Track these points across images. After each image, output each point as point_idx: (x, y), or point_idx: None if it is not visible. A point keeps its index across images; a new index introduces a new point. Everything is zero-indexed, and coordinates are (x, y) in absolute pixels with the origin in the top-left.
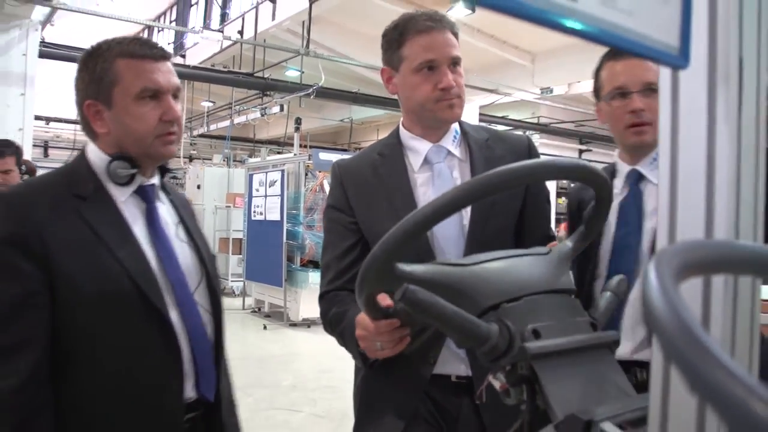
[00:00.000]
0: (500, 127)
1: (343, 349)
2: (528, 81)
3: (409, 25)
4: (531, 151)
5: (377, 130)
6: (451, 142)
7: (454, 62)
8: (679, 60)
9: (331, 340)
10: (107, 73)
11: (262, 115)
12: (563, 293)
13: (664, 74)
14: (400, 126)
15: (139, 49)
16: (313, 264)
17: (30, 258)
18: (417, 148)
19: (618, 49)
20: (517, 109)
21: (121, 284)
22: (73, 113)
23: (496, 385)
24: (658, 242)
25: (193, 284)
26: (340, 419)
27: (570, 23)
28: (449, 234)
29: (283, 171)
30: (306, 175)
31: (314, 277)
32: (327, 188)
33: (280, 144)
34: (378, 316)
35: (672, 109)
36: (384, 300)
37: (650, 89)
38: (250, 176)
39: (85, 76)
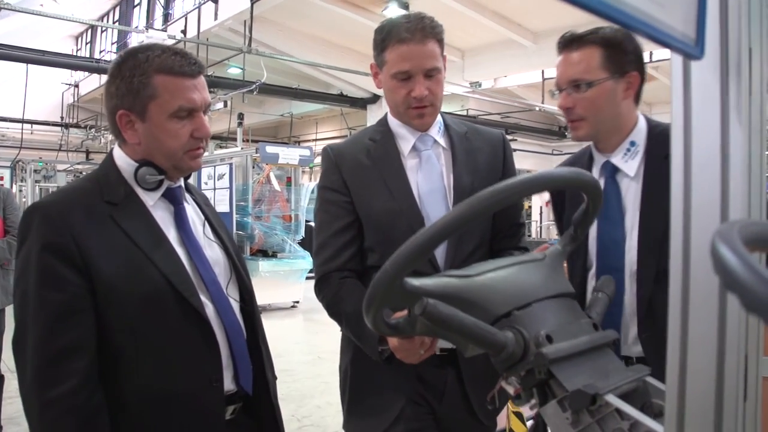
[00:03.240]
0: None
1: (296, 334)
2: (458, 75)
3: (392, 32)
4: (505, 145)
5: (316, 124)
6: (437, 131)
7: (429, 73)
8: (695, 50)
9: (285, 325)
10: (145, 87)
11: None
12: (565, 296)
13: (676, 65)
14: (389, 114)
15: (177, 65)
16: (262, 253)
17: (70, 265)
18: (406, 135)
19: (646, 37)
20: (448, 102)
21: (157, 285)
22: (18, 112)
23: (510, 390)
24: (672, 228)
25: (224, 280)
26: (300, 399)
27: (612, 11)
28: (434, 216)
29: (231, 164)
30: (253, 167)
31: (264, 266)
32: (273, 180)
33: (223, 139)
34: (387, 331)
35: (684, 99)
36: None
37: (576, 86)
38: (199, 170)
39: (121, 86)
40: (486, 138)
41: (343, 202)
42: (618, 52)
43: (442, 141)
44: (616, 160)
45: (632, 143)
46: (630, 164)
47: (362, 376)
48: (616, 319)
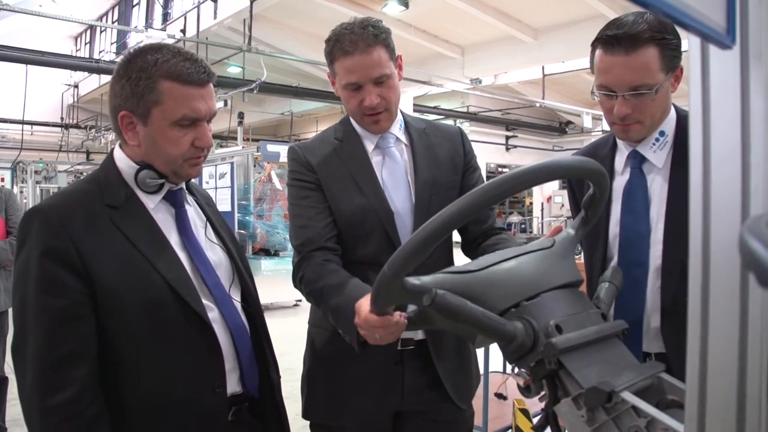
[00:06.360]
0: (432, 117)
1: (298, 332)
2: (458, 72)
3: (336, 46)
4: (463, 139)
5: (316, 122)
6: (398, 129)
7: (379, 80)
8: (727, 39)
9: (287, 324)
10: (150, 91)
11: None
12: (573, 286)
13: (694, 53)
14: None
15: (185, 72)
16: (264, 252)
17: (70, 270)
18: (368, 135)
19: (678, 25)
20: (448, 99)
21: (159, 291)
22: (18, 114)
23: (519, 382)
24: (692, 223)
25: (227, 282)
26: None
27: None
28: (401, 211)
29: (232, 163)
30: (254, 166)
31: (266, 265)
32: (275, 179)
33: (224, 138)
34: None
35: (703, 89)
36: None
37: (638, 93)
38: None
39: (126, 86)
40: (444, 133)
41: (318, 188)
42: (670, 46)
43: (403, 138)
44: (645, 150)
45: (661, 133)
46: (659, 155)
47: (320, 381)
48: (638, 314)
